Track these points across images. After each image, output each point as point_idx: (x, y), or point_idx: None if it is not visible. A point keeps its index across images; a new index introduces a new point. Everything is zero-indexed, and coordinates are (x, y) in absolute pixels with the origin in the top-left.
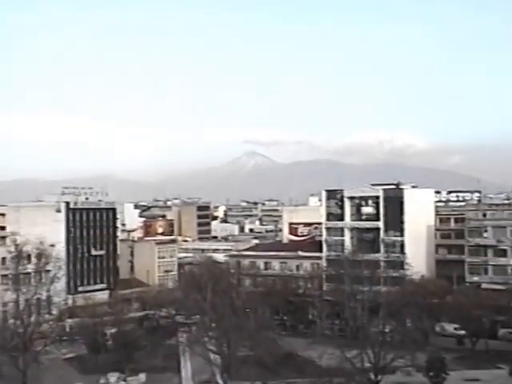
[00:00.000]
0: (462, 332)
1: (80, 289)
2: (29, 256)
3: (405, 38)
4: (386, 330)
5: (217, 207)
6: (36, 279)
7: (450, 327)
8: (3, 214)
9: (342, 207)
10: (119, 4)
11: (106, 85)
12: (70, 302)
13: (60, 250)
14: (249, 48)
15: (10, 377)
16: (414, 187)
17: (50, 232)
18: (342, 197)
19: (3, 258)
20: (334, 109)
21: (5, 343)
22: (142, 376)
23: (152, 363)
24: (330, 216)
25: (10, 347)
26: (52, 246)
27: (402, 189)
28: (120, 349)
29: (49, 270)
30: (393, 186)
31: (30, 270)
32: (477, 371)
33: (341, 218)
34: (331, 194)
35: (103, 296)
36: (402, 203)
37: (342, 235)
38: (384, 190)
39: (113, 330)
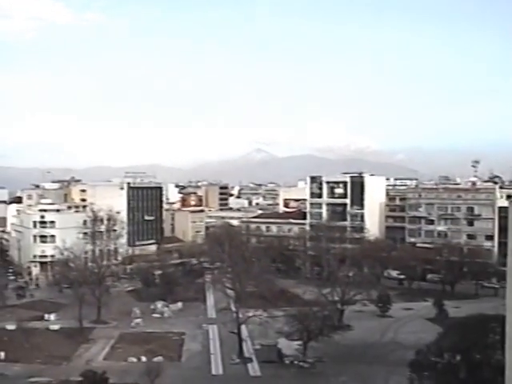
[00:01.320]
0: (402, 276)
1: (137, 243)
2: (102, 219)
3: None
4: (350, 274)
5: (233, 187)
6: (107, 236)
7: (393, 273)
8: (84, 190)
9: (320, 188)
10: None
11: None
12: (130, 251)
13: (123, 215)
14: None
15: (90, 302)
16: (371, 175)
17: (116, 203)
18: (321, 181)
19: (84, 221)
20: (317, 117)
21: (86, 279)
22: (180, 304)
23: (186, 295)
24: (312, 194)
25: (89, 282)
26: (118, 212)
27: (362, 176)
28: (164, 285)
29: (115, 230)
30: (356, 175)
31: (102, 229)
32: (411, 303)
33: (320, 196)
34: (314, 179)
35: (153, 248)
36: (362, 186)
37: (321, 208)
38: (350, 177)
39: (159, 272)
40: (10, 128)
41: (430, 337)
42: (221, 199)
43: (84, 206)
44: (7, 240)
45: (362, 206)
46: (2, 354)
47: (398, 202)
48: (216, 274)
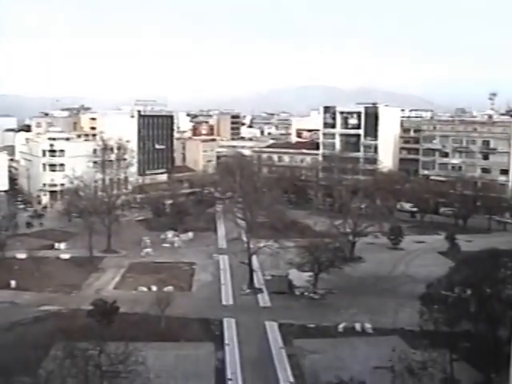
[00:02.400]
0: (415, 209)
1: (147, 172)
2: (112, 148)
3: None
4: (362, 206)
5: (245, 117)
6: (117, 165)
7: (406, 205)
8: (94, 119)
9: (334, 119)
10: None
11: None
12: (140, 181)
13: (133, 144)
14: None
15: (100, 231)
16: (386, 106)
17: (126, 132)
18: (335, 111)
19: (94, 150)
20: (331, 45)
21: (96, 208)
22: (190, 234)
23: (197, 225)
24: (325, 125)
25: (99, 211)
26: (128, 141)
27: (377, 107)
28: (175, 214)
29: (125, 159)
30: (371, 105)
31: (112, 158)
32: (423, 236)
33: (333, 126)
34: (327, 109)
35: (163, 177)
36: (377, 117)
37: (334, 139)
38: (365, 107)
39: (170, 201)
40: (17, 55)
41: (442, 270)
42: (232, 128)
43: (94, 135)
44: (16, 169)
45: (375, 137)
46: (13, 282)
47: (412, 133)
48: (227, 204)
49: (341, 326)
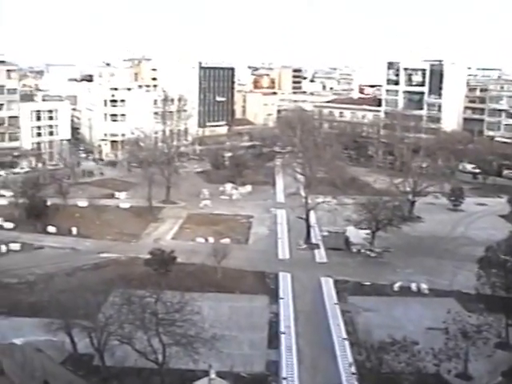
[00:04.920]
0: (477, 170)
1: (207, 124)
2: (172, 99)
3: None
4: (424, 166)
5: (306, 70)
6: (177, 116)
7: (469, 166)
8: (155, 69)
9: (397, 75)
10: None
11: None
12: (200, 132)
13: (194, 96)
14: None
15: (159, 182)
16: (452, 64)
17: (187, 83)
18: (399, 67)
19: (155, 100)
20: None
21: (155, 159)
22: (249, 187)
23: (256, 178)
24: (388, 81)
25: (159, 162)
26: (188, 93)
27: (443, 64)
28: (234, 167)
29: (186, 110)
30: (436, 62)
31: (173, 110)
32: (485, 198)
33: (396, 83)
34: (391, 65)
35: (223, 130)
36: (442, 75)
37: (397, 95)
38: (430, 64)
39: (229, 154)
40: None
41: (502, 234)
42: (294, 82)
43: (154, 86)
44: (78, 118)
45: (440, 95)
46: (74, 229)
47: (478, 93)
48: (286, 158)
49: (396, 285)
